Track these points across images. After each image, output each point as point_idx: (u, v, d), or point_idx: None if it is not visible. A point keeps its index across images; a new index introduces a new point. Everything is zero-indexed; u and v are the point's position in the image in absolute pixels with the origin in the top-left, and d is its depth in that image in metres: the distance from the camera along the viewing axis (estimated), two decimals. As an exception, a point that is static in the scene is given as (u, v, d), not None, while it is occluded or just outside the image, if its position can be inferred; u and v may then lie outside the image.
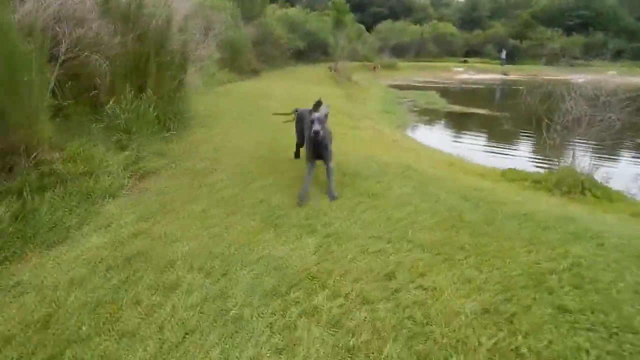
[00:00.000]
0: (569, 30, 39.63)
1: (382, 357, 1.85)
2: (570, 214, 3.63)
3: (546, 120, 5.32)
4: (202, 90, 8.29)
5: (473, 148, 9.49)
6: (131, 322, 2.07)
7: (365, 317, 2.09)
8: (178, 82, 5.93)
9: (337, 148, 5.67)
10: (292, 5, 31.69)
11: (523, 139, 10.62)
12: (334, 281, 2.40)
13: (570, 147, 5.52)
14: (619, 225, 3.60)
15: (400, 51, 35.73)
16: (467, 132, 12.69)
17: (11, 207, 2.85)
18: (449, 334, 1.98)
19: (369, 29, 36.66)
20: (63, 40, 3.69)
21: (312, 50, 24.08)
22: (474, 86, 25.98)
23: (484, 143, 10.90)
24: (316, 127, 3.60)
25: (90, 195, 3.41)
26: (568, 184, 4.68)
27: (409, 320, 2.07)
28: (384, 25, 38.76)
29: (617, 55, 35.27)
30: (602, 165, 5.62)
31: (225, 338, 1.95)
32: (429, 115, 14.61)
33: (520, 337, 1.95)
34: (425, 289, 2.33)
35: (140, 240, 2.90)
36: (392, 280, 2.42)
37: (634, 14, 40.56)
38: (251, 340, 1.94)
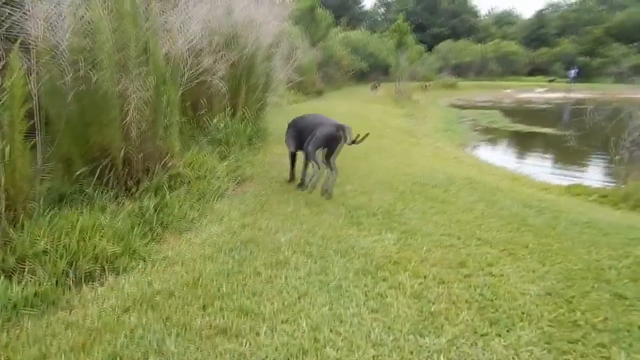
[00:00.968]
0: (647, 47, 37.31)
1: (459, 320, 2.30)
2: (634, 222, 3.83)
3: (613, 138, 5.46)
4: (277, 109, 9.17)
5: (536, 166, 9.47)
6: (257, 287, 2.68)
7: (442, 292, 2.56)
8: (262, 102, 6.76)
9: (401, 162, 6.18)
10: (354, 28, 32.87)
11: (590, 158, 10.40)
12: (413, 266, 2.89)
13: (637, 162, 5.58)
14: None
15: (461, 71, 35.62)
16: (531, 151, 12.56)
17: (153, 201, 3.64)
18: (516, 307, 2.39)
19: (430, 48, 36.90)
20: (185, 68, 4.58)
21: (373, 71, 24.81)
22: (538, 105, 25.21)
23: (548, 162, 10.79)
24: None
25: (204, 194, 4.17)
26: (636, 198, 4.80)
27: (480, 296, 2.51)
28: (444, 45, 38.82)
29: None
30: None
31: (331, 300, 2.50)
32: (491, 134, 14.59)
33: (578, 313, 2.32)
34: (493, 276, 2.75)
35: (249, 230, 3.56)
36: (463, 267, 2.86)
37: None
38: (352, 303, 2.47)
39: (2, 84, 2.63)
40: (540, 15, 47.08)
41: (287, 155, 5.05)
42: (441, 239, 3.31)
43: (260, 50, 6.72)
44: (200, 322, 2.24)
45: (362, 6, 55.95)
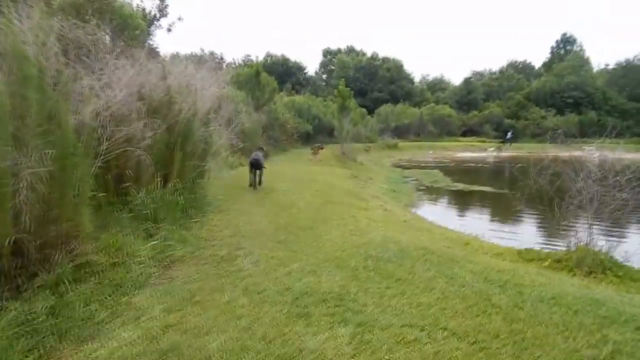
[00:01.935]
0: (562, 110, 41.70)
1: None
2: (598, 296, 3.62)
3: (556, 200, 5.48)
4: (218, 175, 8.64)
5: (482, 226, 9.54)
6: None
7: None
8: (199, 170, 6.23)
9: (351, 231, 5.79)
10: (298, 93, 33.92)
11: (528, 216, 10.73)
12: (373, 374, 2.37)
13: (581, 224, 5.61)
14: (649, 307, 3.56)
15: (401, 132, 37.51)
16: (474, 210, 12.84)
17: (48, 302, 2.89)
18: None
19: (370, 112, 38.68)
20: (104, 138, 4.01)
21: (318, 133, 25.24)
22: (474, 165, 26.67)
23: (492, 220, 11.00)
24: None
25: (121, 285, 3.46)
26: (589, 264, 4.70)
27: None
28: (384, 109, 40.98)
29: (615, 133, 36.87)
30: (618, 243, 5.65)
31: None
32: (435, 194, 14.88)
33: None
34: (468, 382, 2.29)
35: (172, 333, 2.89)
36: (433, 372, 2.39)
37: (623, 94, 42.91)
38: None
39: None
40: (467, 82, 51.62)
41: (227, 226, 5.57)
42: (403, 332, 2.83)
43: (197, 116, 6.32)
44: None
45: (306, 72, 58.68)
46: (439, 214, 11.43)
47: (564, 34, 56.46)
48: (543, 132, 39.94)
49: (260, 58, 52.76)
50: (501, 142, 35.75)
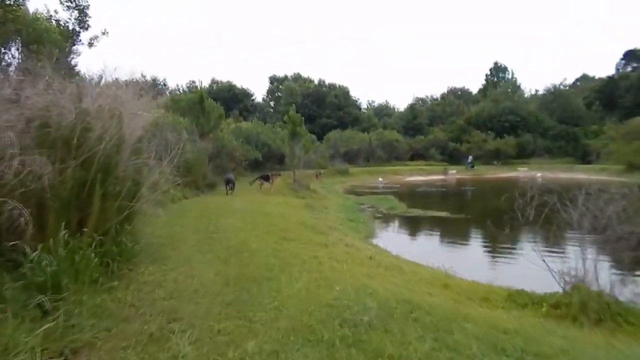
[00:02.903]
0: (500, 133, 44.02)
1: None
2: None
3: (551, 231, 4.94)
4: (155, 213, 7.36)
5: (448, 256, 9.14)
6: None
7: None
8: (127, 213, 5.03)
9: (316, 281, 4.81)
10: (245, 119, 32.86)
11: (492, 240, 10.45)
12: None
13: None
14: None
15: (351, 157, 37.51)
16: (435, 238, 12.53)
17: None
18: None
19: (319, 138, 38.41)
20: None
21: (267, 160, 24.27)
22: (426, 189, 26.84)
23: (454, 247, 10.74)
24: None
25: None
26: (594, 309, 4.06)
27: None
28: (333, 134, 40.93)
29: (549, 153, 39.99)
30: (618, 278, 5.07)
31: None
32: (393, 221, 14.38)
33: None
34: None
35: None
36: None
37: (553, 117, 46.26)
38: None
39: None
40: (412, 108, 53.44)
41: (162, 283, 4.49)
42: None
43: (124, 146, 5.17)
44: None
45: (254, 99, 57.93)
46: (402, 244, 10.84)
47: (496, 63, 60.56)
48: (485, 155, 42.02)
49: (205, 84, 51.45)
50: (472, 167, 37.68)
